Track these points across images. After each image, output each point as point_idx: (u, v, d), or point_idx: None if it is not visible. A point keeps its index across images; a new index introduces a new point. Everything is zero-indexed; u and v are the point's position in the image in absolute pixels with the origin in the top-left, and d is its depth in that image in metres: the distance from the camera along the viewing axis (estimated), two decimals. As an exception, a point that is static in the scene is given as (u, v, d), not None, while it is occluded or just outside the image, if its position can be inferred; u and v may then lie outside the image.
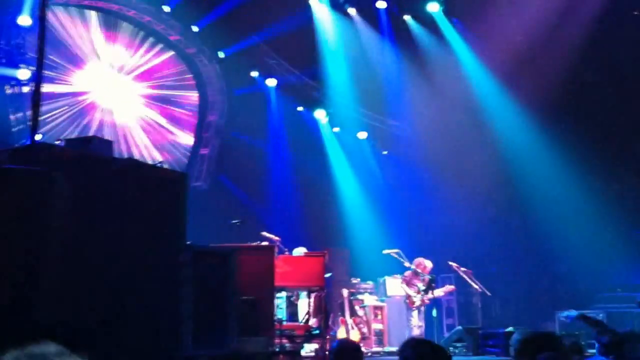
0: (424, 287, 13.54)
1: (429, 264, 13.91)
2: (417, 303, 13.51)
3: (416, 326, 13.40)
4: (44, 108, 8.89)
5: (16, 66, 14.32)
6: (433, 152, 18.80)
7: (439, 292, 14.11)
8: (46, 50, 8.15)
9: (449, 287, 14.61)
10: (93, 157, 7.35)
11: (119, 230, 7.07)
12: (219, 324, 8.58)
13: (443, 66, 18.26)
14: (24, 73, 14.34)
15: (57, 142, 8.89)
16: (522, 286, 16.73)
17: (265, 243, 12.27)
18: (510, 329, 11.54)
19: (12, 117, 14.33)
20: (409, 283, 13.86)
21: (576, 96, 16.88)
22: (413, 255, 14.13)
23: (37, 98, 8.01)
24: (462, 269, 14.31)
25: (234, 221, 12.34)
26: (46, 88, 11.56)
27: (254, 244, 11.91)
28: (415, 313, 13.54)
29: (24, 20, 14.19)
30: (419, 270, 13.80)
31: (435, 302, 13.98)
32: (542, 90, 16.50)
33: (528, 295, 16.45)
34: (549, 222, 16.61)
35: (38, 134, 7.93)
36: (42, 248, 6.17)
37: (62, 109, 15.68)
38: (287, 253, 12.72)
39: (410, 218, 18.83)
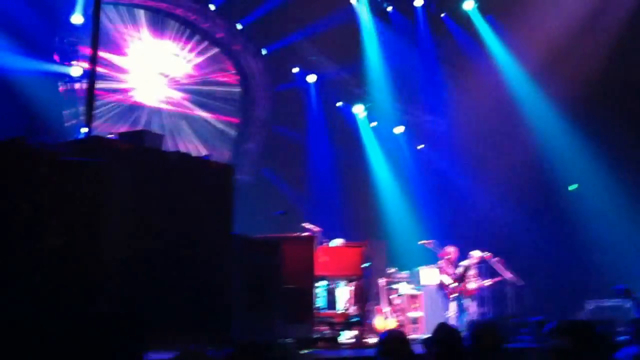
0: (458, 276, 13.60)
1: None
2: (454, 291, 13.56)
3: (452, 314, 13.44)
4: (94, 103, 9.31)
5: (69, 63, 14.87)
6: (468, 146, 18.98)
7: (486, 282, 14.42)
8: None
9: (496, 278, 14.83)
10: (145, 149, 7.65)
11: (171, 220, 7.39)
12: (264, 311, 8.89)
13: (478, 62, 18.50)
14: (76, 70, 14.84)
15: (109, 136, 9.27)
16: (553, 276, 16.77)
17: (306, 234, 12.27)
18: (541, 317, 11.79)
19: (65, 112, 14.79)
20: (443, 272, 13.99)
21: (611, 91, 16.90)
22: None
23: (90, 93, 8.49)
24: (495, 258, 14.45)
25: (277, 212, 12.47)
26: (97, 84, 12.02)
27: (296, 234, 11.96)
28: (451, 301, 13.61)
29: (77, 19, 14.72)
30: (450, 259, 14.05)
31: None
32: (577, 85, 16.55)
33: (559, 285, 16.47)
34: (582, 214, 16.70)
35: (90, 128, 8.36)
36: (101, 237, 6.41)
37: (111, 105, 16.17)
38: (325, 244, 12.68)
39: (445, 210, 18.85)
